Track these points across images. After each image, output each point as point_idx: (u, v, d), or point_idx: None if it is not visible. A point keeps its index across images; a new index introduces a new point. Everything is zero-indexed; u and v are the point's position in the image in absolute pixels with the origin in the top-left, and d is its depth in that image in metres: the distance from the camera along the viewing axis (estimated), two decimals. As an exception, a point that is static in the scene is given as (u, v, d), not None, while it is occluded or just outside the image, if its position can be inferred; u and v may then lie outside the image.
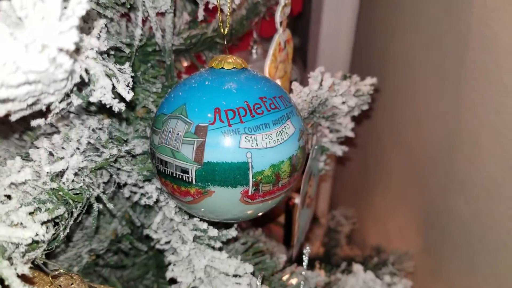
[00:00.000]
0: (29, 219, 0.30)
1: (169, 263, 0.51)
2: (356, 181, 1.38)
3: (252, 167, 0.42)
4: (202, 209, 0.46)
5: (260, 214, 0.48)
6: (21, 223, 0.30)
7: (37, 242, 0.32)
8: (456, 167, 0.77)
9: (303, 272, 0.62)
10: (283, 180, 0.44)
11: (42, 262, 0.34)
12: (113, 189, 0.49)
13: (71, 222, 0.38)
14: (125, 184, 0.52)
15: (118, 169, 0.48)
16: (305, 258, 0.65)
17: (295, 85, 0.57)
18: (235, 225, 0.53)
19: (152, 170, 0.51)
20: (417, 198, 0.95)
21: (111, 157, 0.43)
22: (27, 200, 0.32)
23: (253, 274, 0.50)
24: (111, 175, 0.48)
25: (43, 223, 0.32)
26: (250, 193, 0.43)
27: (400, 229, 1.05)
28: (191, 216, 0.51)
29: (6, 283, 0.27)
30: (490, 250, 0.70)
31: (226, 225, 0.54)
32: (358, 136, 1.28)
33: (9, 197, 0.31)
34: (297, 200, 0.86)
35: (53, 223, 0.35)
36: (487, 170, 0.69)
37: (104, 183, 0.49)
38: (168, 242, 0.52)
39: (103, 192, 0.43)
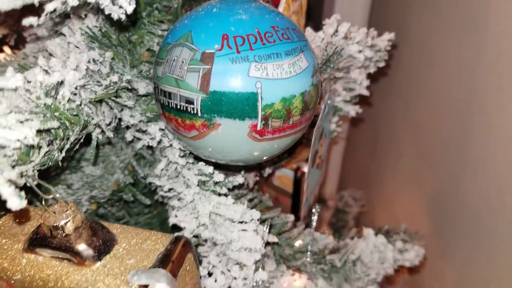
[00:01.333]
0: (19, 124, 0.27)
1: (172, 209, 0.48)
2: (365, 164, 1.34)
3: (261, 98, 0.39)
4: (209, 148, 0.43)
5: (266, 157, 0.46)
6: (9, 128, 0.27)
7: (28, 154, 0.30)
8: (469, 151, 0.74)
9: (312, 231, 0.59)
10: (294, 117, 0.41)
11: (35, 183, 0.32)
12: (114, 124, 0.46)
13: (67, 146, 0.36)
14: (128, 127, 0.50)
15: (121, 106, 0.46)
16: (314, 218, 0.62)
17: (309, 31, 0.54)
18: (242, 172, 0.51)
19: (156, 111, 0.48)
20: (427, 181, 0.92)
21: (112, 85, 0.40)
22: (18, 109, 0.30)
23: (260, 222, 0.47)
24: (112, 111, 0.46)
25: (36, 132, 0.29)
26: (259, 127, 0.40)
27: (410, 212, 1.02)
28: (197, 159, 0.48)
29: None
30: (500, 235, 0.67)
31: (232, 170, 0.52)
32: (368, 118, 1.25)
33: (-2, 103, 0.29)
34: (306, 169, 0.83)
35: (46, 142, 0.33)
36: (501, 155, 0.65)
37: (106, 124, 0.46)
38: (171, 189, 0.50)
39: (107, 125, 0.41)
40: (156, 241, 0.37)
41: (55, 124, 0.32)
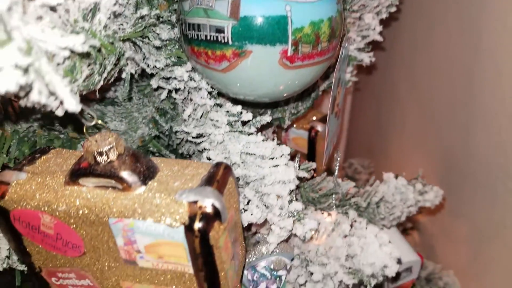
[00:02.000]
0: (63, 35, 0.27)
1: (202, 152, 0.49)
2: (370, 133, 1.35)
3: (291, 22, 0.39)
4: (237, 83, 0.43)
5: (293, 90, 0.46)
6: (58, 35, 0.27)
7: (72, 70, 0.30)
8: (477, 103, 0.74)
9: (335, 177, 0.60)
10: (322, 43, 0.42)
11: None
12: (139, 72, 0.46)
13: (105, 75, 0.36)
14: (152, 75, 0.50)
15: (147, 48, 0.46)
16: (337, 163, 0.63)
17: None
18: (269, 111, 0.51)
19: (180, 56, 0.48)
20: (433, 142, 0.93)
21: (139, 22, 0.40)
22: (60, 25, 0.30)
23: (290, 158, 0.48)
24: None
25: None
26: (289, 53, 0.40)
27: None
28: (224, 98, 0.49)
29: (46, 80, 0.24)
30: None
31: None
32: (371, 86, 1.26)
33: (41, 18, 0.29)
34: (320, 128, 0.84)
35: (87, 64, 0.33)
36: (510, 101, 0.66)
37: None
38: (200, 135, 0.50)
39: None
40: (198, 167, 0.38)
41: (96, 42, 0.32)
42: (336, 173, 0.62)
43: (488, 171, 0.73)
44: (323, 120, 0.81)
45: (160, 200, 0.34)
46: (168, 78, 0.50)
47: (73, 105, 0.26)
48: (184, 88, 0.49)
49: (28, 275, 0.43)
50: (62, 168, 0.38)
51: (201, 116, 0.49)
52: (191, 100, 0.50)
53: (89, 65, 0.33)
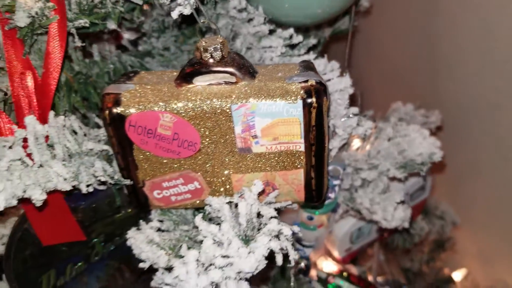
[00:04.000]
0: None
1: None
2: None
3: None
4: (285, 5, 0.49)
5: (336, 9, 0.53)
6: None
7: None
8: (441, 50, 0.87)
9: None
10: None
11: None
12: None
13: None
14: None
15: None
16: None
17: None
18: (312, 35, 0.57)
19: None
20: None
21: None
22: None
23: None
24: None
25: None
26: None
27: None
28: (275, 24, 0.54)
29: None
30: (482, 116, 0.81)
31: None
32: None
33: None
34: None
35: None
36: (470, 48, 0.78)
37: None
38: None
39: None
40: (287, 65, 0.43)
41: None
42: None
43: (455, 108, 0.86)
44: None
45: (274, 85, 0.39)
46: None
47: None
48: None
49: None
50: (163, 79, 0.42)
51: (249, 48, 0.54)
52: (236, 34, 0.54)
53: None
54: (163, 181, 0.43)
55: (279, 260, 0.36)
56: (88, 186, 0.41)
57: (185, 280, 0.34)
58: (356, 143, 0.59)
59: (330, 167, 0.56)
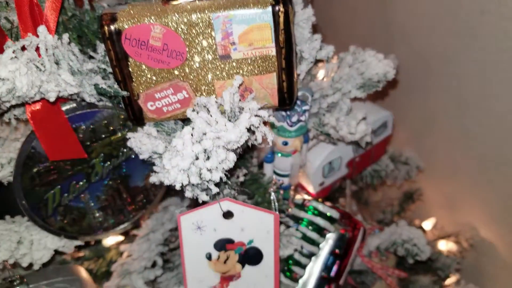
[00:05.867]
0: None
1: None
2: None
3: None
4: None
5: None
6: None
7: None
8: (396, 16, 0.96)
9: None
10: None
11: None
12: None
13: None
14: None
15: None
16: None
17: None
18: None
19: None
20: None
21: None
22: None
23: None
24: None
25: None
26: None
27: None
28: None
29: None
30: (438, 70, 0.91)
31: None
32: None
33: None
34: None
35: None
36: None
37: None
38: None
39: None
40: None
41: None
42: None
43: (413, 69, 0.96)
44: None
45: (247, -3, 0.46)
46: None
47: None
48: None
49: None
50: (151, 2, 0.48)
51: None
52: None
53: None
54: (155, 92, 0.50)
55: (259, 137, 0.44)
56: (90, 96, 0.48)
57: (181, 150, 0.40)
58: (321, 74, 0.67)
59: (300, 93, 0.64)
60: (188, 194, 0.45)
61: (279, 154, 0.70)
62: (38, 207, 0.54)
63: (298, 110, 0.64)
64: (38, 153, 0.52)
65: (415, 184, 1.17)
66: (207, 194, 0.45)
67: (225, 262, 0.54)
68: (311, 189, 0.82)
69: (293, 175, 0.74)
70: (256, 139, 0.44)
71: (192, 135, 0.41)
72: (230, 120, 0.43)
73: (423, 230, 1.14)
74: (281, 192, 0.74)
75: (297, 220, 0.74)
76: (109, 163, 0.57)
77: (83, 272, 0.66)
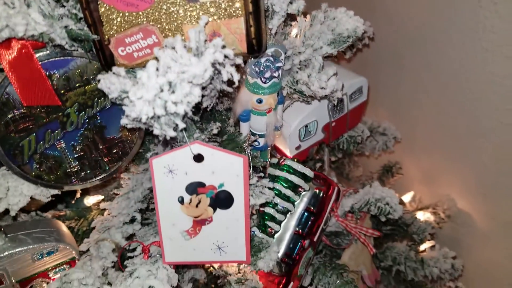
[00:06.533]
0: None
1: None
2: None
3: None
4: None
5: None
6: None
7: None
8: None
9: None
10: None
11: None
12: None
13: None
14: None
15: None
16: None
17: None
18: None
19: None
20: None
21: None
22: None
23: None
24: None
25: None
26: None
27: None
28: None
29: None
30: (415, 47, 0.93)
31: None
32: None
33: None
34: None
35: None
36: None
37: None
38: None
39: None
40: None
41: None
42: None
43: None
44: None
45: None
46: None
47: None
48: None
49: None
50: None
51: None
52: None
53: None
54: (126, 37, 0.51)
55: (224, 75, 0.45)
56: (62, 39, 0.49)
57: (146, 82, 0.42)
58: (294, 32, 0.69)
59: (273, 49, 0.65)
60: (157, 131, 0.46)
61: (255, 113, 0.72)
62: (13, 153, 0.56)
63: (271, 67, 0.66)
64: (13, 99, 0.54)
65: (394, 157, 1.19)
66: (174, 130, 0.46)
67: (197, 206, 0.56)
68: (288, 152, 0.84)
69: (269, 135, 0.76)
70: (223, 80, 0.45)
71: (157, 69, 0.43)
72: (196, 55, 0.45)
73: (403, 203, 1.17)
74: (258, 153, 0.76)
75: (273, 178, 0.76)
76: (84, 113, 0.58)
77: (61, 225, 0.67)
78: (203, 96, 0.59)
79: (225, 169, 0.54)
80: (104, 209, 0.73)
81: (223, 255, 0.59)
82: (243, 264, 0.65)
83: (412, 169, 1.20)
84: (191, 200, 0.55)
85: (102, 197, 0.78)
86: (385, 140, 1.08)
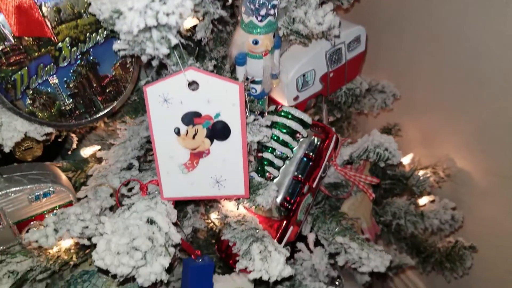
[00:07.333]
0: None
1: None
2: None
3: None
4: None
5: None
6: None
7: None
8: None
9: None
10: None
11: None
12: None
13: None
14: None
15: None
16: None
17: None
18: None
19: None
20: None
21: None
22: None
23: None
24: None
25: None
26: None
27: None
28: None
29: None
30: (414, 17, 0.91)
31: None
32: None
33: None
34: None
35: None
36: None
37: None
38: None
39: None
40: None
41: None
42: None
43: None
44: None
45: None
46: None
47: None
48: None
49: None
50: None
51: None
52: None
53: None
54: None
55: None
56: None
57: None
58: (290, -30, 0.67)
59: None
60: (149, 50, 0.46)
61: (251, 57, 0.71)
62: (6, 88, 0.55)
63: (266, 4, 0.65)
64: (3, 30, 0.53)
65: (393, 118, 1.19)
66: (167, 48, 0.45)
67: (193, 137, 0.55)
68: (285, 103, 0.83)
69: (265, 81, 0.75)
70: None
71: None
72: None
73: (402, 165, 1.16)
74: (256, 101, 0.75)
75: (271, 124, 0.75)
76: (76, 48, 0.57)
77: (58, 170, 0.67)
78: (196, 26, 0.59)
79: (221, 97, 0.53)
80: (101, 159, 0.73)
81: (221, 189, 0.58)
82: (242, 200, 0.65)
83: (411, 130, 1.19)
84: (187, 131, 0.55)
85: (99, 147, 0.78)
86: (384, 97, 1.07)
